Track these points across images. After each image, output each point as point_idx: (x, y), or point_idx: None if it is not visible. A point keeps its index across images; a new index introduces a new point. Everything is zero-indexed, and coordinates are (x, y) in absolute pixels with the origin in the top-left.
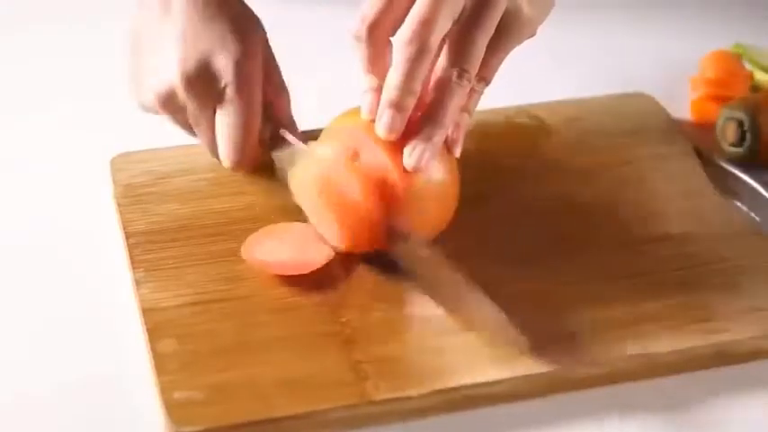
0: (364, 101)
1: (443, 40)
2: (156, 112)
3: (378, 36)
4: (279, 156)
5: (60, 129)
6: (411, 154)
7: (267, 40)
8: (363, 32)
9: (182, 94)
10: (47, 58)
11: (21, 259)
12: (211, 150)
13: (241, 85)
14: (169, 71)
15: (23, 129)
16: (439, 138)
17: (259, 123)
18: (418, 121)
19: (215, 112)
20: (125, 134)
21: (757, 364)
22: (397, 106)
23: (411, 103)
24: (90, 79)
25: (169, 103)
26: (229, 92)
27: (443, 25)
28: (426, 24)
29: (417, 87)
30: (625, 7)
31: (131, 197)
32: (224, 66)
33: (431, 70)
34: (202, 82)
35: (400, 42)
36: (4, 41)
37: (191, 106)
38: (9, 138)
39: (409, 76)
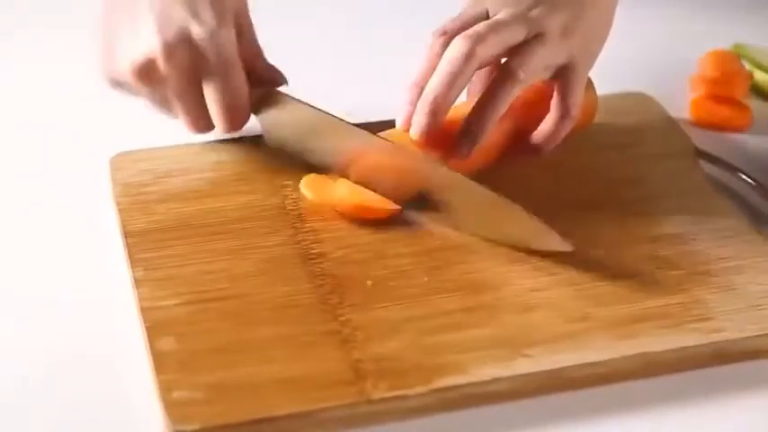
0: (400, 113)
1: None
2: (127, 87)
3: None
4: (265, 117)
5: (60, 128)
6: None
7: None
8: (437, 43)
9: (163, 65)
10: (47, 58)
11: (20, 258)
12: (192, 122)
13: (221, 50)
14: (147, 41)
15: (23, 128)
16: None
17: (246, 84)
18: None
19: (196, 82)
20: (125, 133)
21: (756, 364)
22: (432, 106)
23: (444, 106)
24: (90, 79)
25: (147, 75)
26: (212, 57)
27: (494, 46)
28: (480, 37)
29: (452, 94)
30: (624, 7)
31: (130, 196)
32: (200, 33)
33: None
34: (183, 50)
35: (452, 43)
36: (4, 42)
37: (174, 76)
38: (9, 137)
39: (447, 76)
